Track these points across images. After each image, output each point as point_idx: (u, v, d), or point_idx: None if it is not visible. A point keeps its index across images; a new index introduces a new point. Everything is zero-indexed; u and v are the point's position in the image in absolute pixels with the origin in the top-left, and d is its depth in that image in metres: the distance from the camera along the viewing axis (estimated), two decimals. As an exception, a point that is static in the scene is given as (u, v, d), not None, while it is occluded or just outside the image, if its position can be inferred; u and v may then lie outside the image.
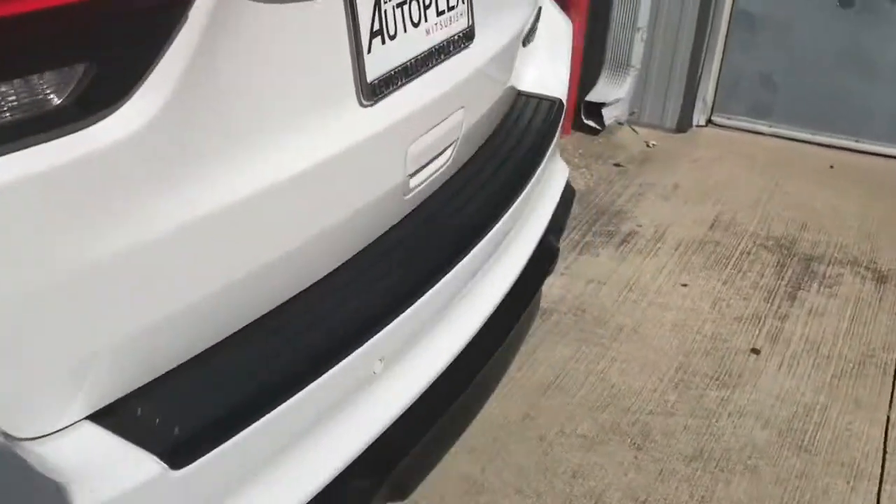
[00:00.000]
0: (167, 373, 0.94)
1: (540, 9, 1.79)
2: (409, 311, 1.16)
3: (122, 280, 0.83)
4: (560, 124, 1.76)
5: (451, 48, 1.32)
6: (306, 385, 1.01)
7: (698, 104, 3.87)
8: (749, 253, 2.94)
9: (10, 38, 0.70)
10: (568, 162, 2.16)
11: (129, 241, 0.83)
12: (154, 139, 0.82)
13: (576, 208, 2.67)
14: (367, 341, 1.09)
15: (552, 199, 1.75)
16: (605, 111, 3.68)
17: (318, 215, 1.08)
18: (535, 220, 1.65)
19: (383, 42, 1.14)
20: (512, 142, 1.62)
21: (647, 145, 3.76)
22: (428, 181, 1.33)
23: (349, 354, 1.06)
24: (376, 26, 1.12)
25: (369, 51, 1.11)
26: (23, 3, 0.70)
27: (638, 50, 3.70)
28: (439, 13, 1.28)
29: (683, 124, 3.86)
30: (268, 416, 0.97)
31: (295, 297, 1.07)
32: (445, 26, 1.30)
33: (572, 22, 1.93)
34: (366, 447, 1.12)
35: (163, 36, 0.81)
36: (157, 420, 0.89)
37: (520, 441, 2.07)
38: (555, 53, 1.87)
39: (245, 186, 0.94)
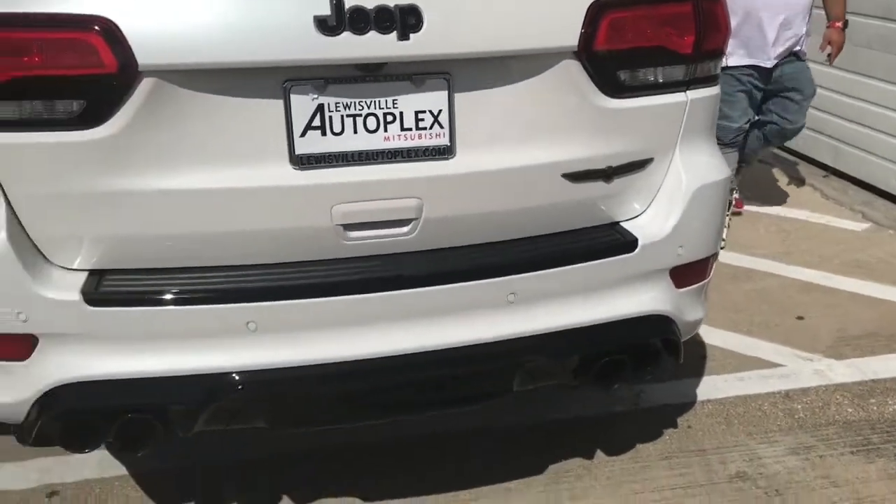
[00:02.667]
0: (121, 269, 1.83)
1: (649, 160, 2.05)
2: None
3: (113, 208, 1.75)
4: (623, 257, 2.01)
5: (416, 155, 1.86)
6: (185, 305, 1.78)
7: None
8: None
9: (56, 85, 1.69)
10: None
11: (108, 187, 1.74)
12: (119, 143, 1.72)
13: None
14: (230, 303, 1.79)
15: (588, 310, 2.01)
16: None
17: (244, 221, 1.82)
18: (536, 313, 1.97)
19: (323, 134, 1.80)
20: (538, 246, 1.99)
21: None
22: (382, 239, 1.89)
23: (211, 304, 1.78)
24: (316, 123, 1.80)
25: (303, 135, 1.79)
26: (58, 68, 1.68)
27: None
28: (404, 129, 1.84)
29: None
30: (151, 309, 1.78)
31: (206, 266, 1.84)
32: (411, 140, 1.85)
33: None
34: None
35: (120, 97, 1.70)
36: (98, 285, 1.79)
37: None
38: (668, 204, 2.08)
39: (184, 183, 1.76)
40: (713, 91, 2.10)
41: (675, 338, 2.14)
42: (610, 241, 2.03)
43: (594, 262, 2.00)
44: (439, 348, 1.91)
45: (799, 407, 2.90)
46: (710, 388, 2.97)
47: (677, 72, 2.00)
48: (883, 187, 4.85)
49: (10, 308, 1.78)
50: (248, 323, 1.83)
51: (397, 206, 1.87)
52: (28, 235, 1.78)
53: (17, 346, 1.83)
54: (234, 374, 1.84)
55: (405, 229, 1.91)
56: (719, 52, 2.06)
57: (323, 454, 2.59)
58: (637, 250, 2.04)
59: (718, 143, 2.29)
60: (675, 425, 2.79)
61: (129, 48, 1.66)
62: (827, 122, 5.24)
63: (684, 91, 2.03)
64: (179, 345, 1.82)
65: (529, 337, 1.96)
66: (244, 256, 1.86)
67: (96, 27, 1.66)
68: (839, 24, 4.22)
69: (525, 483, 2.51)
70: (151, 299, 1.80)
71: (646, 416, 2.84)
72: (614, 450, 2.66)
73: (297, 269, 1.88)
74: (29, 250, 1.78)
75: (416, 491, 2.45)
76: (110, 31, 1.66)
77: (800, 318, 3.49)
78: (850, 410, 2.87)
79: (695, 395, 2.94)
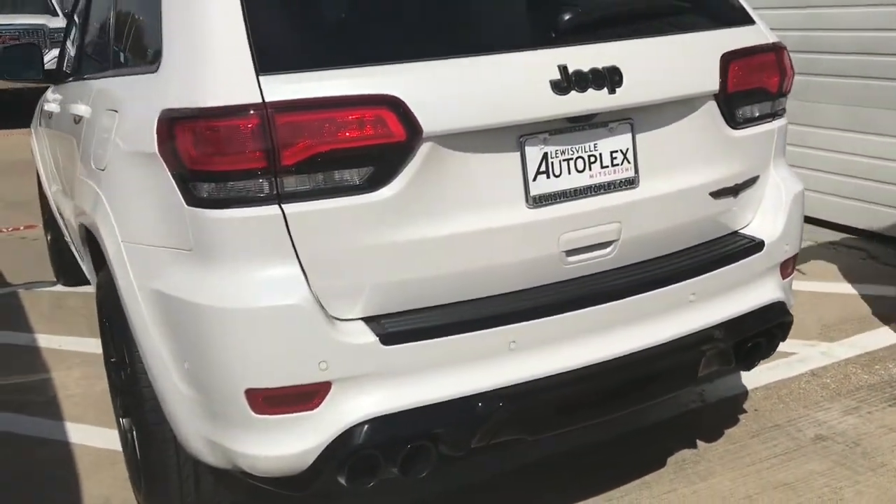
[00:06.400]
0: (393, 312, 2.08)
1: (756, 177, 2.56)
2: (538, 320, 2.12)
3: (392, 257, 2.01)
4: (756, 256, 2.48)
5: (613, 187, 2.26)
6: (460, 334, 2.05)
7: None
8: None
9: (351, 156, 1.96)
10: None
11: (388, 240, 2.00)
12: (399, 201, 2.00)
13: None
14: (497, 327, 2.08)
15: (740, 301, 2.45)
16: None
17: (495, 257, 2.13)
18: (709, 308, 2.39)
19: (548, 177, 2.17)
20: (702, 253, 2.42)
21: None
22: (591, 261, 2.26)
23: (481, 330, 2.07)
24: (542, 168, 2.17)
25: (534, 179, 2.15)
26: (354, 141, 1.95)
27: None
28: (603, 167, 2.25)
29: None
30: (434, 341, 2.04)
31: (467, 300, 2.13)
32: (609, 175, 2.26)
33: None
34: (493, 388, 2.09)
35: (403, 161, 1.99)
36: (382, 327, 2.04)
37: None
38: (774, 209, 2.60)
39: (448, 229, 2.06)
40: (786, 120, 2.66)
41: (790, 319, 2.63)
42: (747, 244, 2.51)
43: (741, 262, 2.46)
44: (648, 346, 2.29)
45: (827, 381, 3.47)
46: (752, 378, 3.48)
47: (770, 106, 2.55)
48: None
49: (314, 358, 1.98)
50: (510, 343, 2.13)
51: (604, 231, 2.26)
52: (318, 291, 2.00)
53: (310, 396, 2.02)
54: (501, 391, 2.12)
55: (608, 250, 2.29)
56: (789, 91, 2.63)
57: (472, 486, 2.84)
58: (764, 250, 2.53)
59: None
60: (743, 411, 3.27)
61: (416, 119, 1.97)
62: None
63: (774, 121, 2.58)
64: (455, 370, 2.09)
65: (709, 328, 2.39)
66: (494, 286, 2.17)
67: (386, 104, 1.96)
68: None
69: (656, 476, 2.89)
70: (433, 332, 2.06)
71: (716, 408, 3.31)
72: (710, 438, 3.09)
73: (536, 293, 2.21)
74: (322, 304, 2.00)
75: (573, 498, 2.76)
76: (399, 106, 1.96)
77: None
78: (865, 377, 3.49)
79: (744, 386, 3.44)
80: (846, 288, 4.44)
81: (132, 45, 2.70)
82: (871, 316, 4.07)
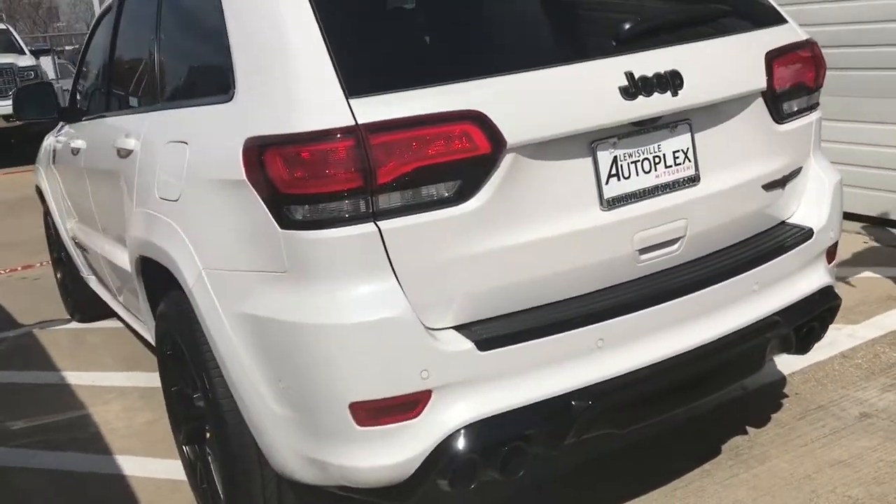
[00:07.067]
0: (489, 318, 2.15)
1: (800, 168, 2.67)
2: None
3: (480, 266, 2.08)
4: (807, 243, 2.59)
5: (677, 185, 2.36)
6: (550, 335, 2.13)
7: None
8: None
9: (440, 171, 2.02)
10: None
11: (477, 249, 2.07)
12: (485, 211, 2.08)
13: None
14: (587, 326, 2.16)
15: (795, 288, 2.55)
16: None
17: (575, 259, 2.21)
18: (770, 296, 2.49)
19: (619, 180, 2.26)
20: (759, 244, 2.53)
21: None
22: (661, 258, 2.35)
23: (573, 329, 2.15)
24: (613, 172, 2.25)
25: (607, 183, 2.24)
26: (443, 157, 2.02)
27: None
28: (667, 167, 2.35)
29: None
30: (526, 344, 2.11)
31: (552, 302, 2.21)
32: (673, 174, 2.35)
33: None
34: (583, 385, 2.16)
35: (488, 172, 2.07)
36: (475, 334, 2.10)
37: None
38: (817, 198, 2.71)
39: (530, 236, 2.13)
40: (820, 113, 2.78)
41: (839, 302, 2.74)
42: (798, 233, 2.62)
43: (795, 251, 2.57)
44: (721, 336, 2.39)
45: (859, 361, 3.60)
46: (787, 364, 3.60)
47: (807, 100, 2.67)
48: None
49: (416, 368, 2.04)
50: (598, 341, 2.21)
51: (672, 228, 2.35)
52: (415, 302, 2.07)
53: (412, 405, 2.08)
54: (592, 388, 2.20)
55: (675, 246, 2.39)
56: (822, 84, 2.75)
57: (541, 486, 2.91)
58: (813, 238, 2.64)
59: None
60: (785, 395, 3.38)
61: (499, 132, 2.05)
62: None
63: (812, 113, 2.70)
64: (547, 371, 2.16)
65: (771, 316, 2.49)
66: (576, 288, 2.25)
67: (471, 119, 2.03)
68: None
69: (714, 464, 2.98)
70: (524, 336, 2.13)
71: (759, 395, 3.42)
72: (759, 423, 3.19)
73: (616, 291, 2.29)
74: (419, 314, 2.07)
75: (635, 493, 2.84)
76: (483, 120, 2.04)
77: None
78: (894, 355, 3.62)
79: (781, 373, 3.56)
80: (858, 272, 4.59)
81: (190, 78, 2.74)
82: (887, 297, 4.22)
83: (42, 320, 5.40)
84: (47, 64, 18.92)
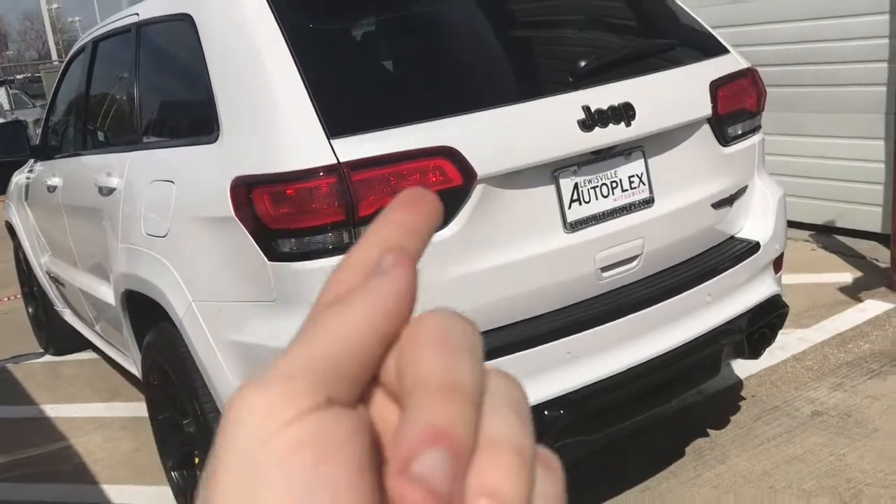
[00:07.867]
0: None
1: (746, 186, 2.89)
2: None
3: (456, 288, 2.24)
4: (755, 256, 2.80)
5: (633, 207, 2.55)
6: (522, 350, 2.30)
7: None
8: None
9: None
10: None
11: (452, 274, 2.24)
12: (459, 238, 2.25)
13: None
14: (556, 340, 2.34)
15: (745, 298, 2.76)
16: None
17: (543, 279, 2.39)
18: (723, 306, 2.69)
19: (580, 204, 2.45)
20: (711, 258, 2.73)
21: None
22: (622, 275, 2.54)
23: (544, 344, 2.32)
24: (575, 197, 2.44)
25: (570, 207, 2.43)
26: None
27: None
28: (624, 190, 2.54)
29: None
30: (503, 359, 2.28)
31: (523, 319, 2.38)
32: (629, 197, 2.54)
33: None
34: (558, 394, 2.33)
35: (461, 202, 2.24)
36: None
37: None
38: (763, 214, 2.93)
39: (501, 259, 2.31)
40: (763, 135, 3.01)
41: (787, 309, 2.96)
42: (746, 247, 2.83)
43: (744, 262, 2.78)
44: (679, 345, 2.58)
45: (810, 363, 3.83)
46: (743, 369, 3.81)
47: (751, 123, 2.89)
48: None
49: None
50: (566, 353, 2.38)
51: (631, 246, 2.55)
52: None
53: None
54: (562, 398, 2.37)
55: (634, 263, 2.58)
56: (763, 108, 2.97)
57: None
58: (760, 250, 2.85)
59: None
60: (742, 398, 3.60)
61: (470, 165, 2.22)
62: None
63: (754, 135, 2.92)
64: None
65: (724, 324, 2.69)
66: (544, 305, 2.43)
67: (444, 154, 2.21)
68: None
69: (679, 465, 3.17)
70: (502, 352, 2.30)
71: (718, 399, 3.62)
72: (719, 425, 3.40)
73: (581, 307, 2.47)
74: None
75: (607, 495, 3.02)
76: (455, 155, 2.21)
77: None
78: (842, 356, 3.85)
79: (737, 377, 3.77)
80: (806, 278, 4.84)
81: (173, 118, 2.88)
82: (834, 301, 4.47)
83: (15, 354, 5.44)
84: (0, 95, 18.78)
